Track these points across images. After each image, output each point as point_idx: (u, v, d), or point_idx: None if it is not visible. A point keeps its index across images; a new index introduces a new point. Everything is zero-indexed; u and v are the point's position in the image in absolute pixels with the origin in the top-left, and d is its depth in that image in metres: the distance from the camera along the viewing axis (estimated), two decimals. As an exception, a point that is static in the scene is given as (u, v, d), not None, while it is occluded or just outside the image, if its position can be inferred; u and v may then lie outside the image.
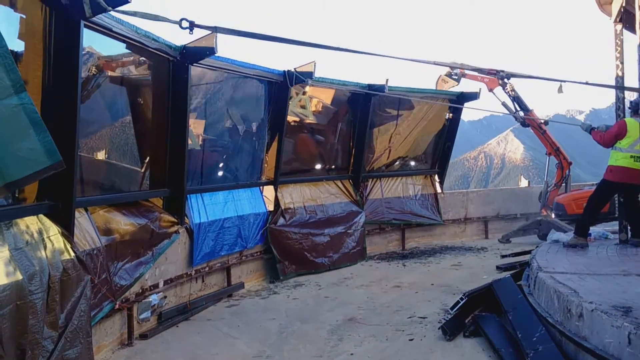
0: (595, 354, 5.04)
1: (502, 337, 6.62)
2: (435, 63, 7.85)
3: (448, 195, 16.65)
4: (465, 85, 17.15)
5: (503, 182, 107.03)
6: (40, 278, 5.10)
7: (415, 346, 7.02)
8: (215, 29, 5.50)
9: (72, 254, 5.77)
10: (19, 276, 4.82)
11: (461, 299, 7.89)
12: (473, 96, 15.45)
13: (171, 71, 8.37)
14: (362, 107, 13.55)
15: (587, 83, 7.94)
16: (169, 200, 8.82)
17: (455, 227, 16.57)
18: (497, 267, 11.42)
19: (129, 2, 5.22)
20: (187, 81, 8.44)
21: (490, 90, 15.66)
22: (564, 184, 15.66)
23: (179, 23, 5.10)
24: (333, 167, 14.01)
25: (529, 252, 11.05)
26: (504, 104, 15.58)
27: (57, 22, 5.60)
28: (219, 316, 8.94)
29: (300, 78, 10.79)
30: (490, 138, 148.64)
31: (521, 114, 15.66)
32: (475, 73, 15.19)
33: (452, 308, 7.97)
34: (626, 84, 8.78)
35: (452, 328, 7.23)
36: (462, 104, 15.69)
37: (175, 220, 8.67)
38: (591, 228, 9.59)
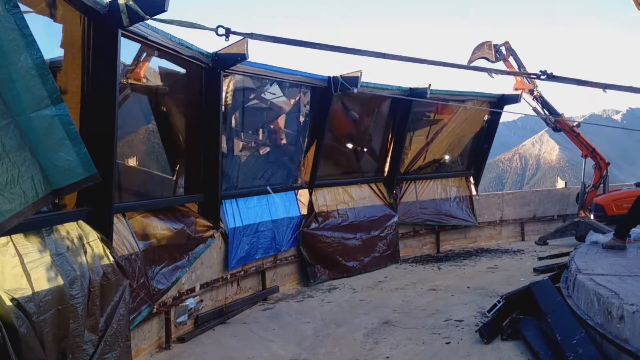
0: (637, 357, 4.94)
1: (541, 340, 6.54)
2: (476, 69, 7.72)
3: (483, 197, 16.48)
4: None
5: (538, 183, 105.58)
6: (81, 283, 5.20)
7: (452, 349, 6.97)
8: (250, 35, 5.55)
9: (111, 259, 5.87)
10: (60, 281, 4.91)
11: (498, 301, 7.81)
12: (514, 99, 15.19)
13: (204, 78, 8.45)
14: (402, 110, 13.43)
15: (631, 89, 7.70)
16: (204, 205, 8.90)
17: (491, 229, 16.39)
18: (535, 270, 11.28)
19: (166, 10, 5.29)
20: (220, 87, 8.50)
21: (516, 90, 15.51)
22: (601, 185, 15.39)
23: (215, 30, 5.16)
24: (368, 169, 13.91)
25: (566, 254, 10.89)
26: (535, 109, 15.45)
27: (95, 32, 5.70)
28: (255, 319, 8.99)
29: (346, 85, 10.75)
30: (525, 139, 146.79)
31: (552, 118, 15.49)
32: (514, 64, 15.11)
33: (489, 311, 7.89)
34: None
35: (489, 331, 7.16)
36: (502, 108, 15.48)
37: (211, 225, 8.75)
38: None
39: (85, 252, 5.49)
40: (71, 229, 5.47)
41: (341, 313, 9.16)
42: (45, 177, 4.22)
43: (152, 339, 7.44)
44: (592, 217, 14.90)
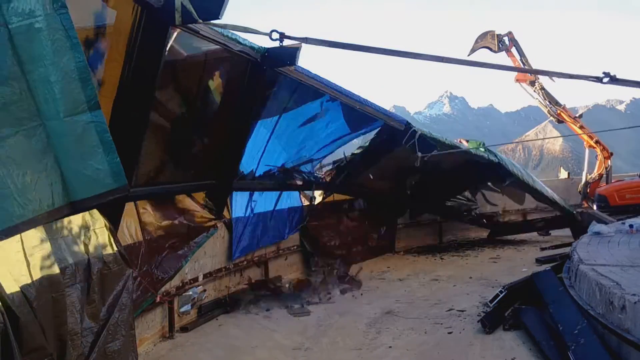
0: (638, 347, 4.94)
1: (543, 330, 6.55)
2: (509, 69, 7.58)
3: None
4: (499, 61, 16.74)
5: (542, 174, 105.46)
6: (79, 270, 5.19)
7: (455, 339, 6.99)
8: (305, 40, 5.54)
9: (115, 247, 5.87)
10: (56, 269, 4.90)
11: (500, 292, 7.83)
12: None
13: (249, 71, 8.15)
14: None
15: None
16: (214, 191, 8.88)
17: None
18: (537, 260, 11.29)
19: (220, 18, 5.25)
20: (264, 82, 8.33)
21: (517, 81, 15.51)
22: (605, 175, 15.40)
23: (269, 35, 5.16)
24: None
25: (569, 244, 10.90)
26: (538, 101, 15.46)
27: (146, 23, 5.63)
28: (258, 309, 9.01)
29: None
30: (529, 129, 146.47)
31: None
32: (517, 55, 15.08)
33: (491, 301, 7.92)
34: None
35: (491, 321, 7.18)
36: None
37: (213, 216, 8.73)
38: (633, 220, 9.41)
39: (89, 240, 5.48)
40: (78, 215, 5.45)
41: (344, 302, 9.18)
42: (65, 187, 4.09)
43: (155, 328, 7.47)
44: (594, 207, 14.91)
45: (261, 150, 9.81)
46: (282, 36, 5.18)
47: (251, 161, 9.67)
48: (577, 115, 16.12)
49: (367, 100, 10.12)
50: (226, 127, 8.45)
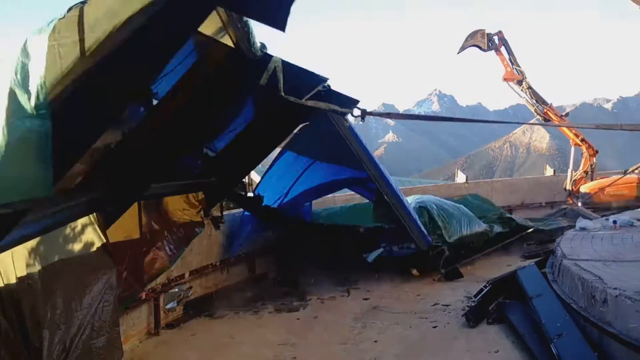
0: (618, 339, 5.02)
1: (526, 324, 6.61)
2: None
3: (473, 185, 16.57)
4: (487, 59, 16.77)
5: (528, 171, 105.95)
6: (62, 264, 5.19)
7: (439, 333, 7.06)
8: (388, 115, 5.59)
9: (100, 243, 5.87)
10: (36, 261, 4.88)
11: (485, 286, 7.90)
12: None
13: None
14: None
15: None
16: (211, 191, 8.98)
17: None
18: (522, 256, 11.37)
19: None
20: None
21: (505, 80, 15.63)
22: (590, 173, 15.55)
23: (351, 112, 5.16)
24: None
25: (553, 240, 10.97)
26: (525, 100, 15.59)
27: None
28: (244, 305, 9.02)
29: None
30: (516, 127, 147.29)
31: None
32: (505, 55, 15.20)
33: (475, 296, 7.99)
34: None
35: (475, 315, 7.25)
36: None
37: (201, 216, 8.74)
38: (616, 216, 9.52)
39: (75, 235, 5.48)
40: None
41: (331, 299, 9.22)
42: None
43: (141, 325, 7.47)
44: (579, 204, 15.04)
45: (286, 189, 10.65)
46: (364, 113, 5.15)
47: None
48: (563, 113, 16.27)
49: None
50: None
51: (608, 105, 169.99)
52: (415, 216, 10.06)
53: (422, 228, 9.99)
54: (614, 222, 9.25)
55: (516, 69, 15.69)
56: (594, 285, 5.74)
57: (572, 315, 6.12)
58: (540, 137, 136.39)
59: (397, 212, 9.49)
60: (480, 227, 11.75)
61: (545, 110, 15.63)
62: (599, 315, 5.56)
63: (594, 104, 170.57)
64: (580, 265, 6.60)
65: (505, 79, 15.70)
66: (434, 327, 7.32)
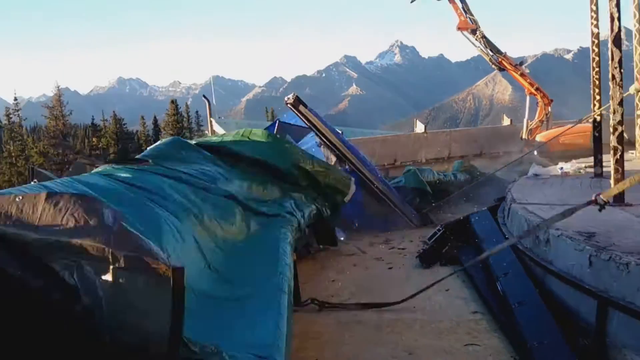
0: (559, 276, 5.34)
1: (476, 265, 6.93)
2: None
3: (431, 135, 16.88)
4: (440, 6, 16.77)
5: (492, 123, 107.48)
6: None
7: (394, 273, 7.38)
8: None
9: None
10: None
11: (438, 230, 8.20)
12: None
13: None
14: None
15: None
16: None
17: (439, 166, 16.81)
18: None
19: None
20: None
21: (459, 29, 15.76)
22: (545, 122, 15.93)
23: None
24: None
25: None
26: (480, 49, 15.76)
27: None
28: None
29: None
30: (478, 79, 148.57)
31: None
32: (459, 3, 15.27)
33: (429, 239, 8.28)
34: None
35: (428, 257, 7.58)
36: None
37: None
38: (563, 164, 9.90)
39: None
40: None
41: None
42: None
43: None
44: (535, 152, 15.45)
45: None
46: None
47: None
48: (519, 63, 16.50)
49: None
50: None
51: (569, 56, 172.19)
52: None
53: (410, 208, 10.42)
54: (561, 169, 9.62)
55: (470, 17, 15.75)
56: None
57: (518, 255, 6.46)
58: (502, 89, 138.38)
59: (385, 198, 9.78)
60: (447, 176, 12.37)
61: (500, 60, 15.86)
62: (542, 255, 5.89)
63: (554, 55, 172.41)
64: (527, 209, 6.93)
65: (459, 28, 15.82)
66: (390, 268, 7.63)
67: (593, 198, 5.50)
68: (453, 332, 5.30)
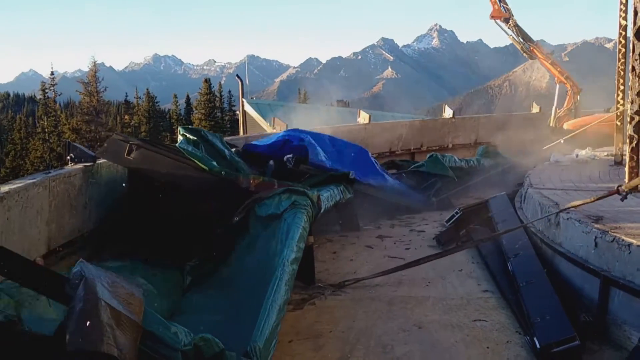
0: (567, 257, 5.56)
1: (491, 247, 7.14)
2: None
3: (459, 120, 16.94)
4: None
5: (527, 110, 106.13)
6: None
7: (410, 252, 7.61)
8: None
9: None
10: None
11: (456, 212, 8.40)
12: None
13: None
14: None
15: None
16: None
17: (465, 151, 16.87)
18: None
19: None
20: None
21: (492, 18, 15.79)
22: (573, 110, 15.92)
23: None
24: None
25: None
26: (512, 37, 15.78)
27: None
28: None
29: None
30: (516, 66, 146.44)
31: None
32: None
33: (447, 221, 8.49)
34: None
35: (445, 238, 7.83)
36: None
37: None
38: (578, 150, 10.04)
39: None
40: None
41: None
42: None
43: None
44: (562, 141, 15.44)
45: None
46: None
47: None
48: (549, 52, 16.50)
49: None
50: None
51: (609, 45, 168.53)
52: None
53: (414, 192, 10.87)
54: (576, 155, 9.76)
55: (503, 6, 15.81)
56: (550, 210, 6.26)
57: (531, 238, 6.66)
58: (540, 77, 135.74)
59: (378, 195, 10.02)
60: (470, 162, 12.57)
61: (531, 48, 15.87)
62: (552, 237, 6.10)
63: (595, 43, 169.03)
64: (542, 193, 7.12)
65: (492, 17, 15.85)
66: (407, 248, 7.86)
67: (615, 189, 5.77)
68: (462, 309, 5.53)
